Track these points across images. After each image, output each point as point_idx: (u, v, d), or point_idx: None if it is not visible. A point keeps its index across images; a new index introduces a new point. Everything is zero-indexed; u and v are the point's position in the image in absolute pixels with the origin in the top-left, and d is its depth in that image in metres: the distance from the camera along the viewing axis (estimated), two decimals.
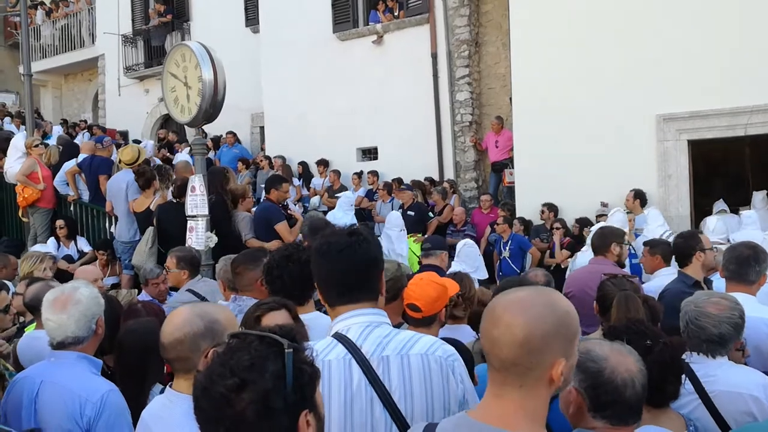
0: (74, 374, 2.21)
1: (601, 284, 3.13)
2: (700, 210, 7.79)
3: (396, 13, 11.05)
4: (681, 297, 2.66)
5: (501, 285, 3.14)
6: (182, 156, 10.68)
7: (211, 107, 4.97)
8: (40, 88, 19.07)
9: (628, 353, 1.67)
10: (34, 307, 3.12)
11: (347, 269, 1.77)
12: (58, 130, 12.93)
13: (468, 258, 5.83)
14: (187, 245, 5.10)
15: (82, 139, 11.95)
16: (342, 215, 8.25)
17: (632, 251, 5.65)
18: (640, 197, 7.43)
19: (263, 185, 6.74)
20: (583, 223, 7.60)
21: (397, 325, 2.90)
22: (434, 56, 10.58)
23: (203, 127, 12.62)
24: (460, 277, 3.37)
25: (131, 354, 2.54)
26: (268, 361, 1.14)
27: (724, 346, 2.35)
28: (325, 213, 9.16)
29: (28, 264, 4.52)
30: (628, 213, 7.26)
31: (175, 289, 4.43)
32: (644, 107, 7.51)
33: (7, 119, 14.16)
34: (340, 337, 1.74)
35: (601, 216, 7.38)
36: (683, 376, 2.09)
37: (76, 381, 2.18)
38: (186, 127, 8.66)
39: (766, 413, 2.17)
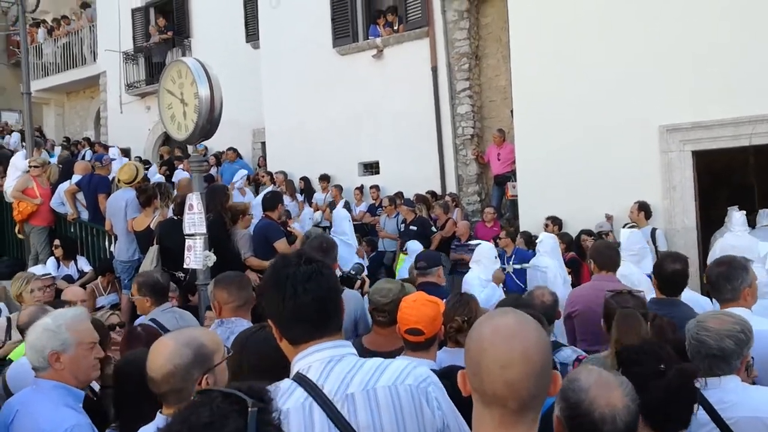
0: (44, 405, 2.16)
1: (605, 302, 3.05)
2: (707, 222, 7.68)
3: (395, 27, 11.04)
4: None
5: (500, 303, 3.03)
6: (184, 173, 10.64)
7: (208, 123, 4.88)
8: (43, 106, 19.15)
9: (617, 385, 1.54)
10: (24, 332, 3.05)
11: (314, 301, 1.61)
12: (59, 150, 12.95)
13: (487, 260, 5.66)
14: (185, 264, 5.03)
15: (83, 157, 11.94)
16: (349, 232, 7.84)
17: None
18: (644, 209, 7.35)
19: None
20: (588, 235, 7.50)
21: (399, 350, 2.82)
22: (434, 69, 10.55)
23: (205, 144, 12.71)
24: (466, 300, 3.23)
25: (129, 384, 2.45)
26: (229, 419, 1.08)
27: (727, 363, 2.25)
28: (325, 229, 9.08)
29: (16, 286, 4.46)
30: (632, 227, 7.16)
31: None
32: (647, 118, 7.44)
33: (16, 134, 14.20)
34: (300, 379, 1.59)
35: (602, 232, 7.29)
36: (696, 405, 1.99)
37: (44, 413, 2.13)
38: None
39: None
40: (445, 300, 3.21)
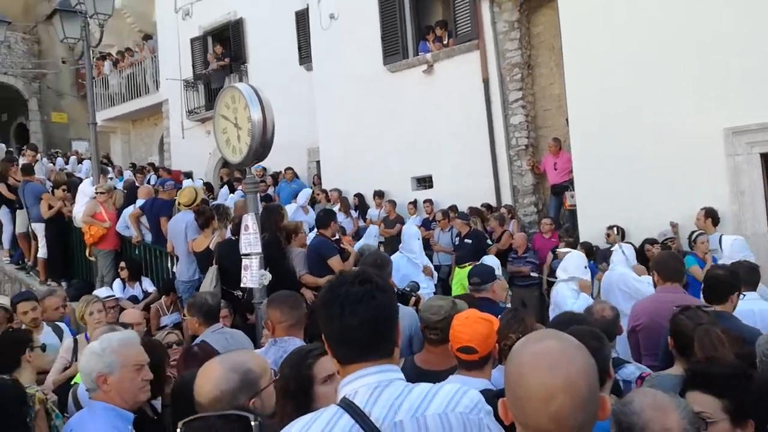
0: (93, 426, 2.22)
1: (674, 319, 2.89)
2: None
3: (445, 41, 11.03)
4: None
5: (555, 319, 2.93)
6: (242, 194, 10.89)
7: (261, 146, 4.99)
8: (110, 134, 20.09)
9: (673, 408, 1.45)
10: None
11: (362, 324, 1.56)
12: (127, 174, 13.51)
13: (576, 269, 5.40)
14: (242, 283, 5.12)
15: (148, 181, 12.42)
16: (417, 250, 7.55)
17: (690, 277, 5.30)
18: (711, 216, 7.02)
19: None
20: (651, 244, 7.21)
21: (452, 369, 2.76)
22: (486, 81, 10.46)
23: (262, 164, 13.01)
24: (521, 317, 3.13)
25: (185, 404, 2.50)
26: None
27: None
28: (380, 245, 9.10)
29: (80, 308, 4.65)
30: (700, 234, 6.85)
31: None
32: (711, 120, 7.13)
33: (87, 162, 14.95)
34: (347, 405, 1.54)
35: (667, 239, 6.99)
36: None
37: None
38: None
39: None
40: (499, 316, 3.14)
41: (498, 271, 6.32)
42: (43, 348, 3.61)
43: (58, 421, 2.73)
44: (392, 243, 9.79)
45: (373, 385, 1.55)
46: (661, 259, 4.29)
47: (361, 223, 11.17)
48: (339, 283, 1.65)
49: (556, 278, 6.09)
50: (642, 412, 1.44)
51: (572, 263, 5.45)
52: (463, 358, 2.62)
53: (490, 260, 6.50)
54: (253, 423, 1.14)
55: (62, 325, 4.70)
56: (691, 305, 3.02)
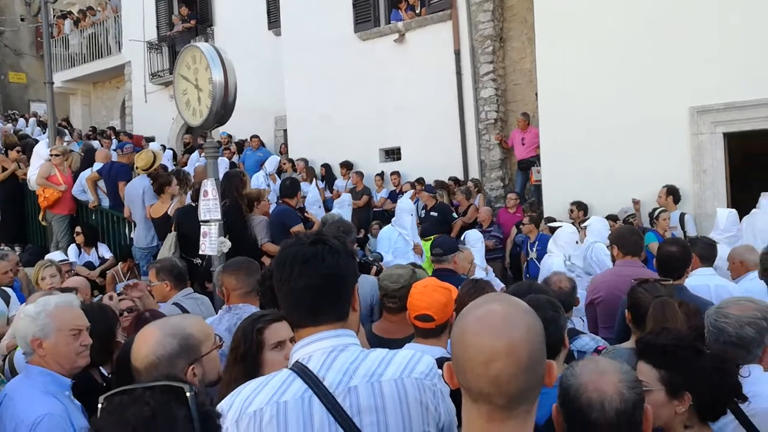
0: (26, 391, 2.15)
1: (632, 291, 2.89)
2: (739, 206, 7.40)
3: (418, 11, 10.85)
4: None
5: (513, 289, 2.90)
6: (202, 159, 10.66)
7: (222, 109, 4.83)
8: (70, 96, 19.42)
9: (612, 372, 1.44)
10: None
11: (309, 286, 1.51)
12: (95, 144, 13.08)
13: (567, 244, 5.42)
14: (200, 251, 5.00)
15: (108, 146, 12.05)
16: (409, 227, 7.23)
17: (650, 253, 5.34)
18: (673, 193, 7.11)
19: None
20: (614, 220, 7.28)
21: (410, 337, 2.72)
22: (457, 53, 10.35)
23: (228, 131, 12.70)
24: (481, 286, 3.10)
25: (128, 373, 2.41)
26: (171, 408, 1.03)
27: (748, 351, 2.13)
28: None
29: (35, 272, 4.48)
30: (662, 211, 6.94)
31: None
32: (676, 99, 7.18)
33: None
34: (300, 370, 1.49)
35: (629, 216, 7.06)
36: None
37: (23, 400, 2.12)
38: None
39: None
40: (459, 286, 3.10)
41: (479, 244, 6.35)
42: None
43: (1, 385, 2.62)
44: (359, 214, 9.73)
45: (327, 349, 1.50)
46: (621, 233, 4.31)
47: (328, 194, 11.06)
48: (291, 243, 1.59)
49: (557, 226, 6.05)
50: (580, 375, 1.43)
51: (564, 238, 5.51)
52: (419, 325, 2.58)
53: (473, 235, 6.48)
54: (188, 394, 1.05)
55: (9, 290, 4.51)
56: (650, 279, 3.02)
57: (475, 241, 6.49)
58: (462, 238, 6.79)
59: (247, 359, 2.07)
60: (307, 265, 1.51)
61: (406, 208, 6.98)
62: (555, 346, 2.10)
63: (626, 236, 4.12)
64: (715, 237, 5.10)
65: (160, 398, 1.03)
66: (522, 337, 1.15)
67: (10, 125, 14.67)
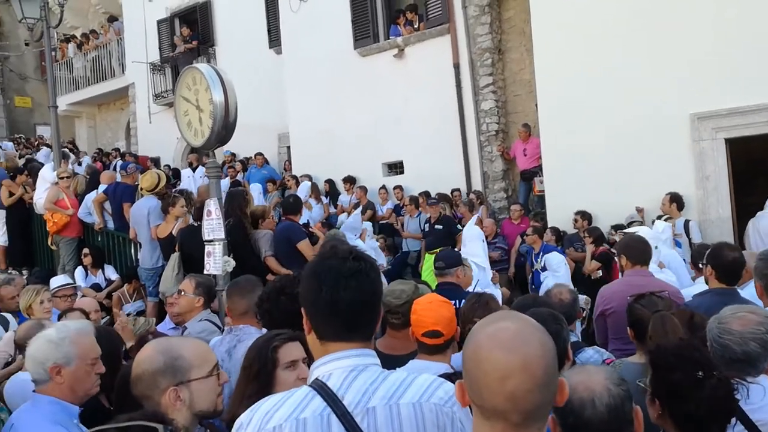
0: (35, 422, 2.10)
1: (630, 308, 2.86)
2: (744, 210, 7.38)
3: (416, 26, 10.93)
4: None
5: (517, 303, 2.90)
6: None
7: (224, 129, 4.86)
8: (75, 119, 19.58)
9: (597, 372, 1.51)
10: (22, 347, 3.00)
11: (354, 300, 1.50)
12: (87, 160, 13.17)
13: (559, 268, 5.37)
14: (205, 270, 5.01)
15: (115, 167, 12.12)
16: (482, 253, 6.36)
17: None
18: (676, 201, 7.09)
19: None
20: (620, 229, 7.26)
21: (414, 353, 2.71)
22: (456, 66, 10.40)
23: (232, 150, 12.74)
24: (485, 300, 3.10)
25: (127, 394, 2.42)
26: None
27: (753, 366, 2.11)
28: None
29: (25, 299, 4.39)
30: (667, 219, 6.92)
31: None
32: (677, 106, 7.18)
33: (46, 149, 14.40)
34: (319, 387, 1.49)
35: (632, 223, 7.04)
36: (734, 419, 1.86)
37: (31, 430, 2.08)
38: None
39: None
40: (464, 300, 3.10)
41: (563, 268, 6.30)
42: None
43: (3, 414, 2.60)
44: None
45: (348, 368, 1.50)
46: (628, 242, 4.26)
47: (332, 210, 11.09)
48: (332, 254, 1.57)
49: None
50: (569, 378, 1.46)
51: (553, 262, 5.49)
52: (428, 342, 2.57)
53: (555, 258, 6.45)
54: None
55: (9, 316, 4.50)
56: (646, 293, 2.98)
57: (558, 265, 6.42)
58: (541, 262, 6.78)
59: (260, 377, 2.08)
60: (352, 279, 1.51)
61: (474, 234, 6.18)
62: (559, 360, 2.09)
63: (634, 245, 4.07)
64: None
65: None
66: (536, 353, 1.16)
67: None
